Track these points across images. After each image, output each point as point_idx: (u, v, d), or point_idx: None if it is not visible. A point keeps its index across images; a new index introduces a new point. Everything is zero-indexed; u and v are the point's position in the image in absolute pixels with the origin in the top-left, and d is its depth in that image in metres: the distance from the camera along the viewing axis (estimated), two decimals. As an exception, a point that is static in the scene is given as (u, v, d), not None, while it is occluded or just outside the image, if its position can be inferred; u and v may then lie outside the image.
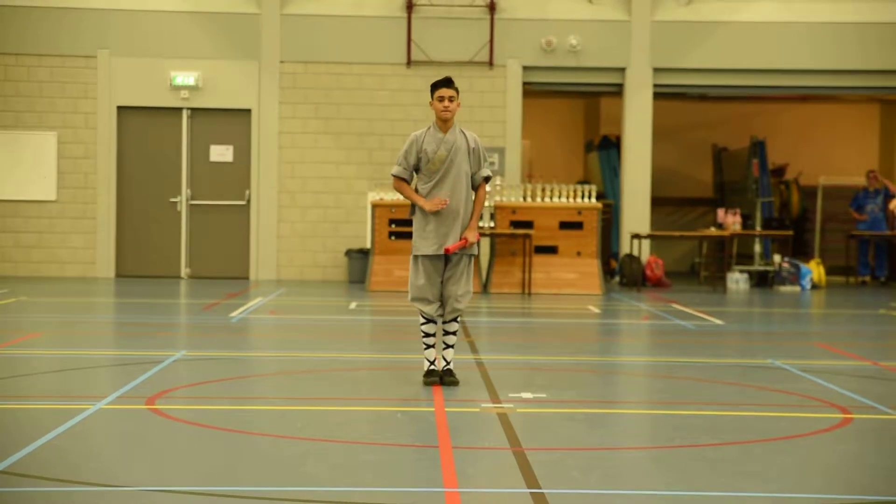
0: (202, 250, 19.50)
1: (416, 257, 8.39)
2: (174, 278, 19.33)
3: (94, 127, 19.29)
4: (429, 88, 8.49)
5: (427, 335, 8.43)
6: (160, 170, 19.45)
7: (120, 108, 19.35)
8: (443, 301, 8.39)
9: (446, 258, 8.37)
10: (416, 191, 8.42)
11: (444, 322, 8.44)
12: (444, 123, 8.32)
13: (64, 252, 19.31)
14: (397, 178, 8.38)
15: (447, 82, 8.32)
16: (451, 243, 8.29)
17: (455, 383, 8.38)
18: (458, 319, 8.48)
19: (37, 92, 19.22)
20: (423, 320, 8.42)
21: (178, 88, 19.26)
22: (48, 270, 19.26)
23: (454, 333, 8.46)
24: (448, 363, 8.45)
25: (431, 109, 8.39)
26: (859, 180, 21.28)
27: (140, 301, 15.62)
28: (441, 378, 8.41)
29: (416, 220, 8.39)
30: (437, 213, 8.29)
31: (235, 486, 5.59)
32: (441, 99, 8.28)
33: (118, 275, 19.35)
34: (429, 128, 8.39)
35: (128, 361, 9.57)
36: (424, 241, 8.34)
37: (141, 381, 8.49)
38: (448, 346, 8.47)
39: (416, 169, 8.39)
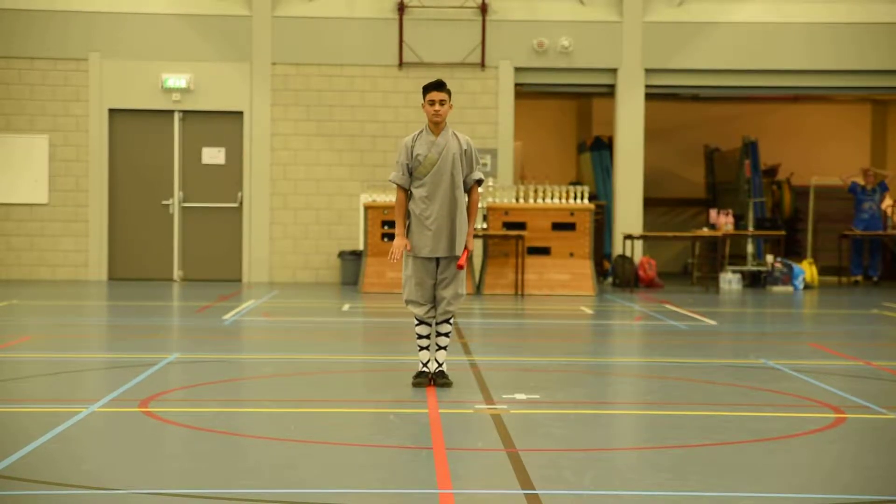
0: (194, 253, 19.47)
1: (409, 258, 8.39)
2: (166, 281, 19.29)
3: (86, 130, 19.26)
4: (420, 90, 8.48)
5: (420, 336, 8.43)
6: (152, 172, 19.42)
7: (111, 111, 19.32)
8: (435, 303, 8.39)
9: (437, 261, 8.36)
10: (409, 193, 8.40)
11: (436, 324, 8.44)
12: (435, 126, 8.31)
13: (56, 255, 19.28)
14: (397, 186, 8.36)
15: (438, 85, 8.30)
16: (444, 247, 8.29)
17: (447, 385, 8.36)
18: (451, 321, 8.47)
19: (28, 95, 19.18)
20: (416, 321, 8.43)
21: (170, 91, 19.23)
22: (40, 273, 19.22)
23: (447, 335, 8.46)
24: (440, 364, 8.44)
25: (423, 112, 8.38)
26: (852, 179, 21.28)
27: (133, 304, 15.60)
28: (433, 380, 8.40)
29: (412, 222, 8.38)
30: (429, 218, 8.28)
31: (228, 488, 5.58)
32: (432, 102, 8.25)
33: (110, 278, 19.32)
34: (421, 130, 8.38)
35: (121, 364, 9.55)
36: (419, 243, 8.34)
37: (134, 383, 8.48)
38: (440, 348, 8.46)
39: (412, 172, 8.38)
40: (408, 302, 8.39)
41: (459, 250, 8.30)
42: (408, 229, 8.40)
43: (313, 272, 19.46)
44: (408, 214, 8.42)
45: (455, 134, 8.37)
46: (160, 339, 11.88)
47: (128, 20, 19.27)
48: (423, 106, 8.34)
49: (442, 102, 8.25)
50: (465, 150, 8.35)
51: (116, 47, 19.23)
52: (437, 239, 8.29)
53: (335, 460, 6.23)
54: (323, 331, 12.73)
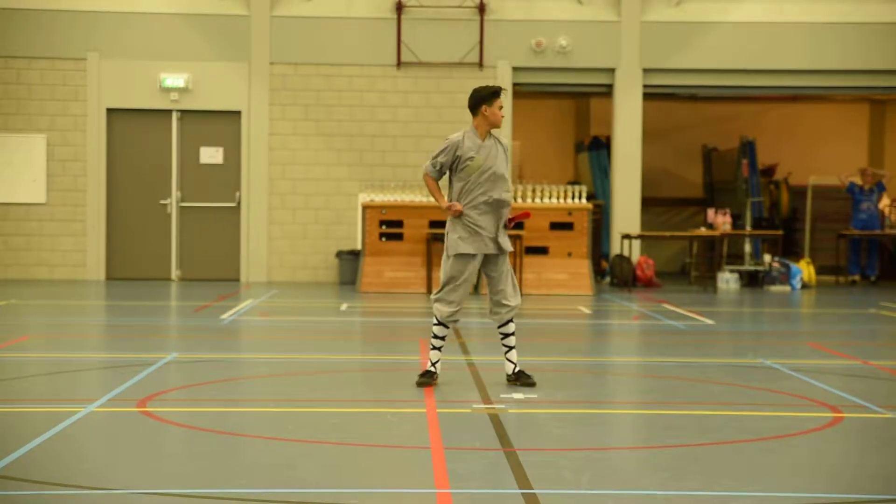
0: (192, 252, 19.46)
1: (457, 257, 8.36)
2: (164, 281, 19.29)
3: (84, 129, 19.25)
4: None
5: (436, 336, 8.42)
6: (150, 172, 19.42)
7: (109, 111, 19.31)
8: (492, 304, 8.42)
9: (486, 259, 8.39)
10: (452, 190, 8.43)
11: (500, 326, 8.46)
12: (487, 130, 8.39)
13: (54, 255, 19.27)
14: (427, 175, 8.44)
15: (502, 91, 8.47)
16: (494, 245, 8.35)
17: (532, 384, 8.39)
18: (513, 321, 8.46)
19: (26, 94, 19.17)
20: (435, 321, 8.42)
21: (168, 90, 19.23)
22: (38, 273, 19.22)
23: (513, 334, 8.48)
24: (515, 365, 8.48)
25: (486, 115, 8.35)
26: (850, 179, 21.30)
27: (131, 303, 15.60)
28: (516, 381, 8.42)
29: (460, 222, 8.37)
30: (481, 217, 8.32)
31: (227, 488, 5.59)
32: (500, 107, 8.39)
33: (108, 277, 19.31)
34: (466, 132, 8.42)
35: (119, 364, 9.56)
36: (465, 241, 8.35)
37: (132, 383, 8.48)
38: (511, 348, 8.48)
39: (450, 169, 8.42)
40: (438, 301, 8.38)
41: (506, 246, 8.39)
42: (451, 230, 8.40)
43: (311, 272, 19.46)
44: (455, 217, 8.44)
45: (496, 136, 8.48)
46: (158, 338, 11.88)
47: (126, 20, 19.26)
48: (483, 110, 8.36)
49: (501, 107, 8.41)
50: (506, 151, 8.52)
51: (114, 47, 19.23)
52: (493, 237, 8.37)
53: (333, 460, 6.24)
54: (321, 330, 12.74)
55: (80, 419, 7.13)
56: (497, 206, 8.39)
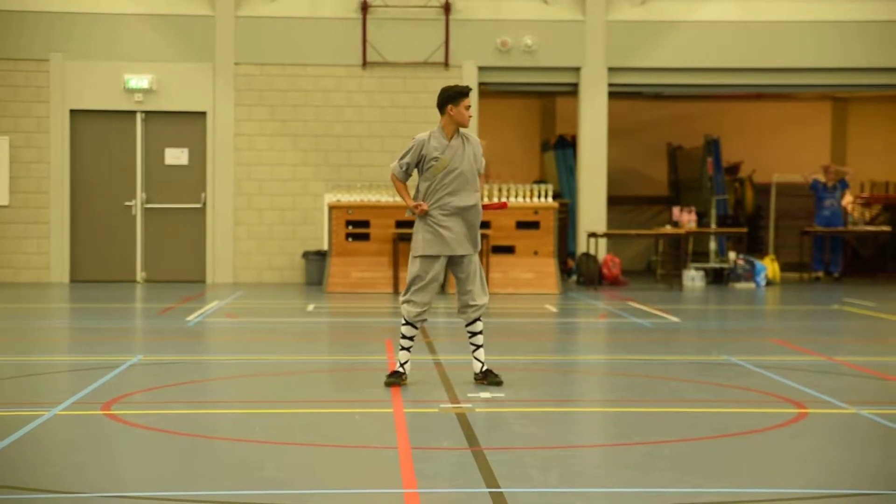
0: (158, 254, 19.36)
1: (422, 258, 8.37)
2: (130, 283, 19.18)
3: (47, 131, 19.10)
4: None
5: (404, 337, 8.41)
6: (114, 173, 19.30)
7: (73, 112, 19.17)
8: (460, 303, 8.42)
9: (452, 259, 8.38)
10: (419, 191, 8.43)
11: (467, 325, 8.45)
12: (454, 129, 8.37)
13: (17, 257, 19.11)
14: (395, 176, 8.46)
15: (469, 91, 8.45)
16: (464, 246, 8.36)
17: (499, 382, 8.40)
18: (481, 319, 8.47)
19: (-12, 96, 19.01)
20: (403, 321, 8.42)
21: (132, 91, 19.11)
22: (1, 276, 19.05)
23: (481, 333, 8.48)
24: (483, 363, 8.48)
25: (452, 115, 8.35)
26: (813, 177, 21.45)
27: (95, 306, 15.50)
28: (484, 381, 8.42)
29: (427, 223, 8.38)
30: (448, 218, 8.31)
31: (193, 490, 5.57)
32: (468, 107, 8.36)
33: (73, 280, 19.17)
34: (432, 132, 8.41)
35: (83, 367, 9.49)
36: (433, 242, 8.35)
37: (97, 386, 8.43)
38: (478, 347, 8.48)
39: (417, 169, 8.43)
40: (405, 301, 8.37)
41: (478, 246, 8.43)
42: (416, 230, 8.41)
43: (278, 272, 19.40)
44: (412, 212, 8.48)
45: (464, 136, 8.45)
46: (123, 341, 11.81)
47: (89, 20, 19.12)
48: (449, 109, 8.37)
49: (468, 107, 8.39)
50: (476, 152, 8.49)
51: (78, 47, 19.09)
52: (458, 238, 8.37)
53: (301, 461, 6.23)
54: (288, 331, 12.70)
55: (44, 423, 7.08)
56: (462, 211, 8.39)
